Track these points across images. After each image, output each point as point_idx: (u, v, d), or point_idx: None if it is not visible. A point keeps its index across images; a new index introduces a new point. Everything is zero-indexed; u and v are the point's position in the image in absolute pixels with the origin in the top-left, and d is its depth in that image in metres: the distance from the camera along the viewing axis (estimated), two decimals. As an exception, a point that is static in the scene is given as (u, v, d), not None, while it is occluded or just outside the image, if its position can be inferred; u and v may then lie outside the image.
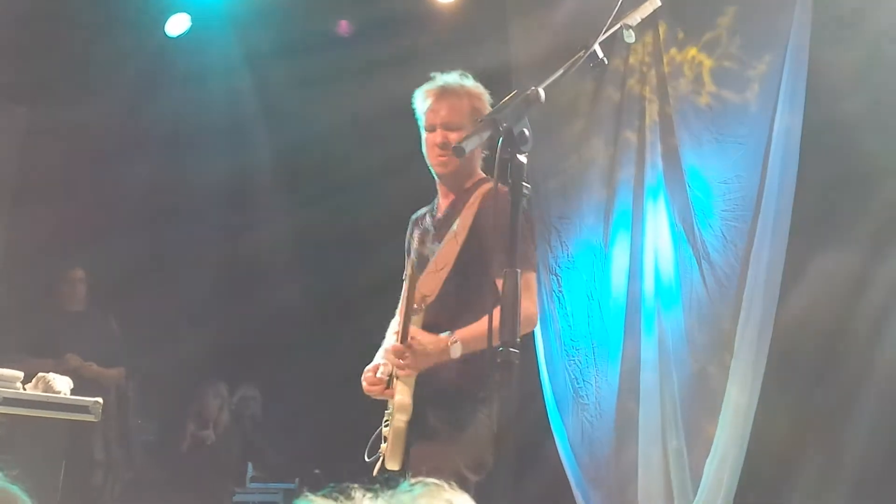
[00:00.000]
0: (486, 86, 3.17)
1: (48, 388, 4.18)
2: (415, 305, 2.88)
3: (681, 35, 5.27)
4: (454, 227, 2.97)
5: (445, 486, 1.26)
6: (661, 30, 5.32)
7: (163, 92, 6.53)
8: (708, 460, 4.77)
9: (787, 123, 4.71)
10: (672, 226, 5.17)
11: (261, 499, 7.13)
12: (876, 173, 4.52)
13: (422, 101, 3.14)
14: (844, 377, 4.59)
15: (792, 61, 4.73)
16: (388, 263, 3.31)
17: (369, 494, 1.22)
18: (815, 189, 4.70)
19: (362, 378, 3.08)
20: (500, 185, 2.20)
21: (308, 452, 6.93)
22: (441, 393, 2.90)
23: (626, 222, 5.42)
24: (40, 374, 4.24)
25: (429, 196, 3.26)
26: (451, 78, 3.13)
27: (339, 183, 6.57)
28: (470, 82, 3.14)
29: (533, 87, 2.19)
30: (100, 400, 4.26)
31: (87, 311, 6.10)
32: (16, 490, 1.62)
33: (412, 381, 2.89)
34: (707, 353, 4.95)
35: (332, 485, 1.24)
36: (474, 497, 1.32)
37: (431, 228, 3.14)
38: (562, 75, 2.29)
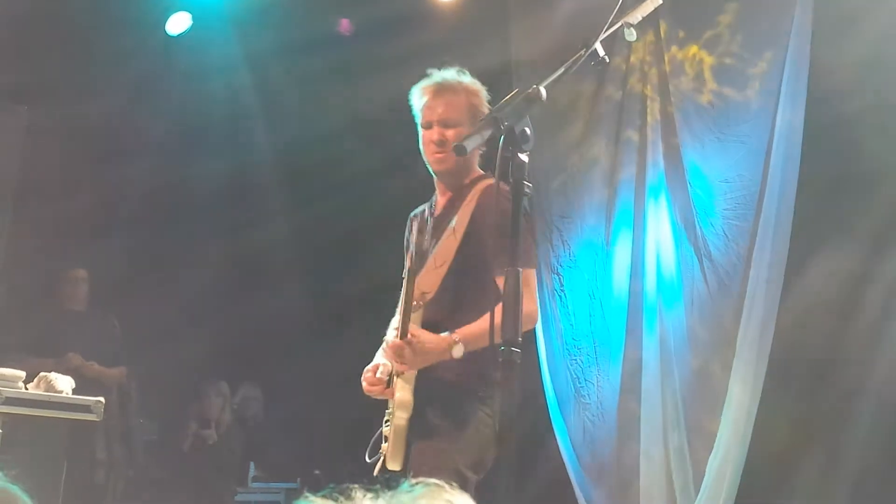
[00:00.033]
0: (487, 84, 3.15)
1: (50, 387, 4.18)
2: (414, 302, 2.87)
3: (682, 33, 5.26)
4: (452, 223, 2.96)
5: (446, 486, 1.25)
6: (662, 28, 5.32)
7: (164, 91, 6.53)
8: (710, 458, 4.76)
9: (788, 121, 4.70)
10: (673, 224, 5.17)
11: (263, 498, 7.14)
12: (878, 172, 4.51)
13: (418, 98, 3.12)
14: (846, 375, 4.58)
15: (793, 59, 4.73)
16: (388, 263, 3.31)
17: (370, 495, 1.22)
18: (817, 188, 4.69)
19: (362, 378, 3.07)
20: (496, 180, 2.20)
21: (310, 452, 6.93)
22: (441, 391, 2.89)
23: (627, 221, 5.42)
24: (42, 374, 4.25)
25: (429, 195, 3.25)
26: (448, 74, 3.11)
27: (339, 183, 6.57)
28: (467, 78, 3.11)
29: (534, 86, 2.18)
30: (101, 399, 4.26)
31: (88, 311, 6.10)
32: (15, 490, 1.62)
33: (413, 378, 2.89)
34: (709, 351, 4.95)
35: (331, 485, 1.24)
36: (475, 496, 1.32)
37: (430, 226, 3.13)
38: (563, 74, 2.28)
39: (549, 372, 5.57)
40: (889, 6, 4.55)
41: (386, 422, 2.93)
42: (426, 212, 3.21)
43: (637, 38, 2.55)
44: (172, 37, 6.38)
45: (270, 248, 7.17)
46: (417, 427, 2.87)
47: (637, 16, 2.42)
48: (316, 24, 6.48)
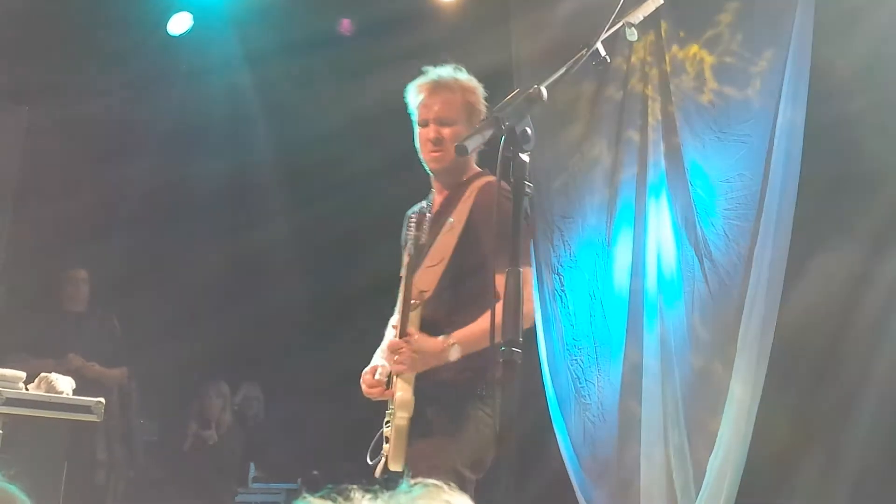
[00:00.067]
0: (488, 84, 3.13)
1: (50, 388, 4.17)
2: (412, 301, 2.86)
3: (682, 33, 5.26)
4: (449, 221, 2.94)
5: (444, 487, 1.25)
6: (663, 27, 5.32)
7: (164, 91, 6.53)
8: (711, 457, 4.76)
9: (789, 121, 4.70)
10: (674, 224, 5.17)
11: (263, 499, 7.14)
12: (879, 171, 4.51)
13: (414, 96, 3.09)
14: (847, 375, 4.58)
15: (794, 58, 4.73)
16: (388, 263, 3.30)
17: (368, 495, 1.22)
18: (818, 187, 4.69)
19: (361, 380, 3.05)
20: (496, 180, 2.19)
21: (310, 452, 6.92)
22: (440, 390, 2.87)
23: (628, 220, 5.41)
24: (43, 375, 4.24)
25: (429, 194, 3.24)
26: (445, 72, 3.08)
27: (339, 183, 6.56)
28: (463, 76, 3.09)
29: (535, 86, 2.18)
30: (102, 400, 4.26)
31: (88, 311, 6.09)
32: (14, 490, 1.61)
33: (412, 377, 2.87)
34: (709, 350, 4.95)
35: (330, 486, 1.24)
36: (474, 496, 1.32)
37: (427, 224, 3.10)
38: (564, 74, 2.27)
39: (550, 372, 5.57)
40: (889, 6, 4.54)
41: (387, 423, 2.92)
42: (423, 210, 3.20)
43: (638, 38, 2.53)
44: (173, 37, 6.38)
45: (270, 248, 7.17)
46: (416, 425, 2.86)
47: (638, 15, 2.41)
48: (316, 24, 6.47)
